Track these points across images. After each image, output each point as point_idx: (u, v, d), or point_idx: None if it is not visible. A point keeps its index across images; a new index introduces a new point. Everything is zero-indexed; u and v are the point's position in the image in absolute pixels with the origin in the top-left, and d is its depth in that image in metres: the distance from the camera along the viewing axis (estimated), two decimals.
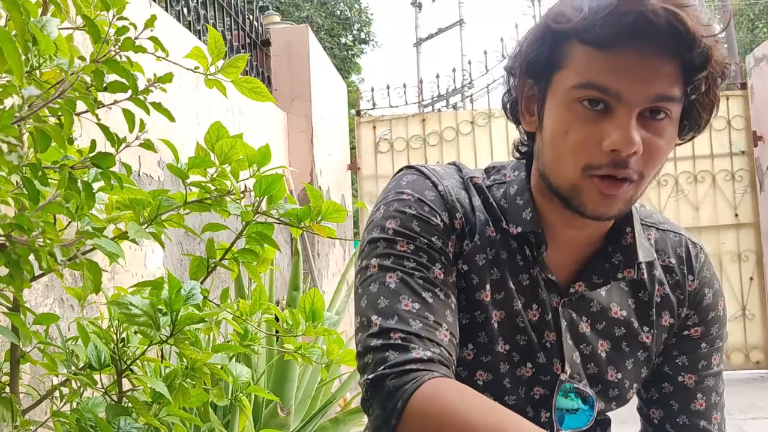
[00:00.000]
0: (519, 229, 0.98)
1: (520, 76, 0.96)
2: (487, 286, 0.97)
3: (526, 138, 1.01)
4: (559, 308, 1.00)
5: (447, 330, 0.89)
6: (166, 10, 3.02)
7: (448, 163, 1.08)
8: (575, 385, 1.00)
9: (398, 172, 1.04)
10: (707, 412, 1.06)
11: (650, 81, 0.85)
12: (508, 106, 1.01)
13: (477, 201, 1.00)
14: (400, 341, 0.86)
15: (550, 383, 0.99)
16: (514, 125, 1.02)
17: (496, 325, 0.97)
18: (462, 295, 0.97)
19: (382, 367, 0.85)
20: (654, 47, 0.84)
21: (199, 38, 3.23)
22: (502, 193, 1.01)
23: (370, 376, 0.86)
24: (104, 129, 1.00)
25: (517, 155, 1.03)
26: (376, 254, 0.94)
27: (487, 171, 1.06)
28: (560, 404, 1.00)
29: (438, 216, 0.96)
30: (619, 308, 1.02)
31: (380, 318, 0.89)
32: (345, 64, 14.01)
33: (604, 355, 1.02)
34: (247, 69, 4.16)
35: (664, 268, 1.05)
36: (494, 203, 1.00)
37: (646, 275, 1.03)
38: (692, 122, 0.93)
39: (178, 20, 3.10)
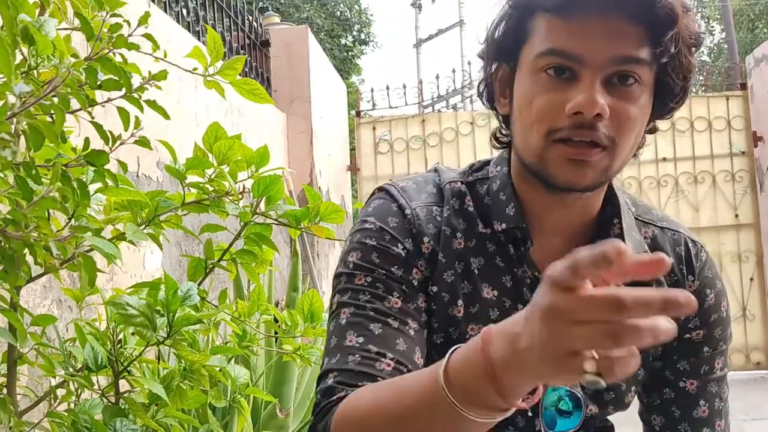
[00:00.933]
0: (503, 226, 0.95)
1: (491, 58, 0.96)
2: (459, 302, 0.95)
3: (504, 126, 0.99)
4: None
5: (392, 359, 0.86)
6: (165, 11, 3.01)
7: (430, 169, 1.05)
8: (567, 388, 0.96)
9: (372, 194, 1.02)
10: (710, 420, 1.02)
11: (613, 42, 0.83)
12: (484, 93, 0.99)
13: (447, 212, 0.97)
14: (331, 381, 0.85)
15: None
16: (493, 112, 1.01)
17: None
18: (433, 318, 0.95)
19: (311, 416, 0.85)
20: (615, 9, 0.83)
21: (199, 39, 3.22)
22: (485, 190, 0.99)
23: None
24: (97, 127, 0.99)
25: (497, 145, 1.01)
26: (338, 290, 0.94)
27: (471, 167, 1.03)
28: (548, 401, 0.96)
29: (400, 244, 0.94)
30: None
31: (327, 358, 0.89)
32: (345, 65, 14.01)
33: None
34: (247, 70, 4.15)
35: None
36: (472, 207, 0.98)
37: None
38: (666, 89, 0.89)
39: (178, 21, 3.10)
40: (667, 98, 0.90)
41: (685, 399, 1.02)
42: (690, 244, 1.03)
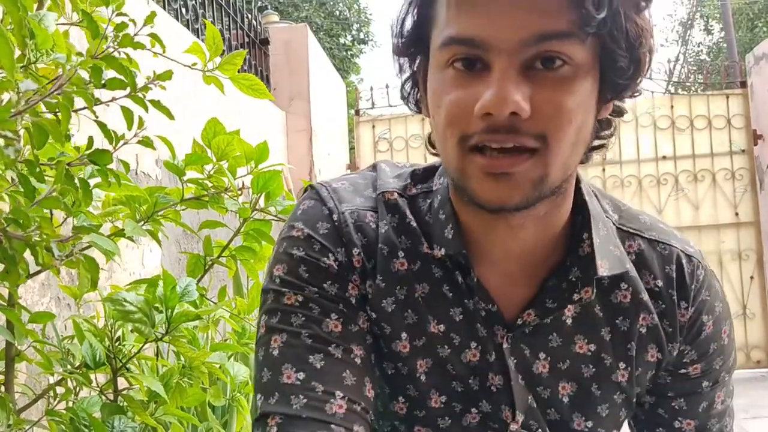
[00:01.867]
0: (442, 251, 0.79)
1: (400, 53, 0.79)
2: (403, 335, 0.81)
3: None
4: (504, 345, 0.81)
5: (343, 398, 0.74)
6: (164, 8, 3.01)
7: (369, 168, 0.90)
8: None
9: (303, 191, 0.87)
10: None
11: (524, 18, 0.66)
12: (409, 94, 0.82)
13: (384, 227, 0.82)
14: (275, 431, 0.73)
15: (501, 431, 0.83)
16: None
17: (423, 378, 0.82)
18: (381, 342, 0.82)
19: None
20: None
21: (198, 37, 3.21)
22: (427, 205, 0.83)
23: None
24: (102, 126, 0.99)
25: (432, 151, 0.82)
26: (265, 310, 0.80)
27: (414, 176, 0.86)
28: None
29: (331, 255, 0.79)
30: (586, 341, 0.82)
31: (262, 398, 0.75)
32: (344, 65, 14.01)
33: (566, 399, 0.83)
34: (246, 68, 4.15)
35: (649, 292, 0.83)
36: (413, 223, 0.82)
37: (630, 298, 0.82)
38: (611, 64, 0.70)
39: (176, 19, 3.09)
40: (614, 75, 0.71)
41: None
42: (684, 261, 0.84)
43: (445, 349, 0.81)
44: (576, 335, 0.82)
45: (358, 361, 0.77)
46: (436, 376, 0.82)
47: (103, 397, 1.12)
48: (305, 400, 0.73)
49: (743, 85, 5.70)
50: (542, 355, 0.82)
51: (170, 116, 1.08)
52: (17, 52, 0.91)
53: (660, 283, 0.83)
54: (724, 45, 17.67)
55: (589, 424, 0.84)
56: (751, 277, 5.57)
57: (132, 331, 1.08)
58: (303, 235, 0.80)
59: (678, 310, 0.83)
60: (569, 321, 0.81)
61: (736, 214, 5.60)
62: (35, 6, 1.02)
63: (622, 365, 0.83)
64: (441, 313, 0.81)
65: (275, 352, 0.76)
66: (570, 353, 0.82)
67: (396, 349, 0.81)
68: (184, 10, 3.25)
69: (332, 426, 0.72)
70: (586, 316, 0.82)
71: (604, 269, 0.79)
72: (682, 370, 0.86)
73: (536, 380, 0.82)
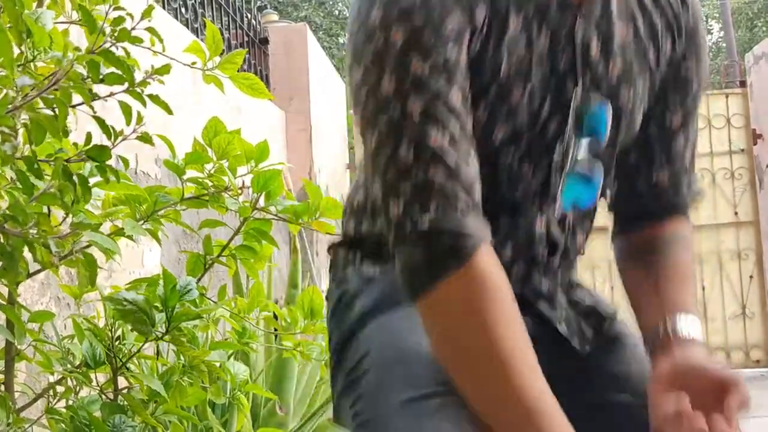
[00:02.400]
0: None
1: None
2: (505, 55, 0.86)
3: None
4: (575, 27, 0.90)
5: (473, 158, 0.81)
6: (163, 7, 3.00)
7: None
8: (592, 100, 0.92)
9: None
10: (685, 152, 1.05)
11: None
12: None
13: None
14: (443, 176, 0.78)
15: (566, 107, 0.92)
16: None
17: (507, 72, 0.87)
18: (486, 76, 0.86)
19: (431, 210, 0.77)
20: None
21: (197, 36, 3.21)
22: None
23: (410, 225, 0.78)
24: (100, 121, 0.99)
25: None
26: (387, 72, 0.79)
27: None
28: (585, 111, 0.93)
29: (452, 16, 0.80)
30: (627, 28, 0.96)
31: (411, 150, 0.78)
32: (344, 64, 14.00)
33: (615, 76, 0.95)
34: (245, 67, 4.15)
35: None
36: None
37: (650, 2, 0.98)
38: None
39: (176, 18, 3.09)
40: None
41: (667, 133, 1.04)
42: None
43: (523, 41, 0.87)
44: (620, 22, 0.95)
45: (471, 131, 0.82)
46: (515, 70, 0.88)
47: (104, 396, 1.12)
48: (455, 157, 0.79)
49: (743, 84, 5.71)
50: (598, 38, 0.93)
51: (168, 111, 1.08)
52: (15, 50, 0.91)
53: None
54: (724, 44, 17.69)
55: (631, 98, 0.97)
56: (751, 277, 5.57)
57: (132, 330, 1.07)
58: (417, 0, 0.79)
59: (682, 17, 1.00)
60: (615, 11, 0.94)
61: (736, 213, 5.60)
62: (34, 4, 1.02)
63: (652, 50, 0.98)
64: (537, 20, 0.88)
65: (415, 117, 0.78)
66: (617, 36, 0.95)
67: (499, 74, 0.86)
68: (183, 9, 3.25)
69: (474, 185, 0.80)
70: (627, 7, 0.96)
71: None
72: (683, 69, 1.02)
73: (593, 59, 0.93)
